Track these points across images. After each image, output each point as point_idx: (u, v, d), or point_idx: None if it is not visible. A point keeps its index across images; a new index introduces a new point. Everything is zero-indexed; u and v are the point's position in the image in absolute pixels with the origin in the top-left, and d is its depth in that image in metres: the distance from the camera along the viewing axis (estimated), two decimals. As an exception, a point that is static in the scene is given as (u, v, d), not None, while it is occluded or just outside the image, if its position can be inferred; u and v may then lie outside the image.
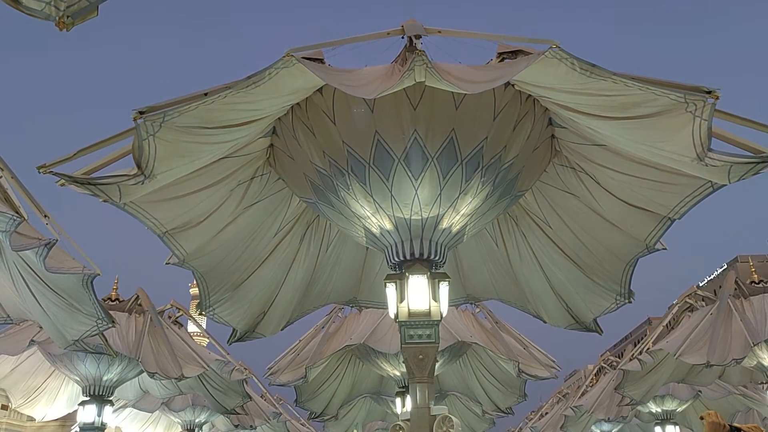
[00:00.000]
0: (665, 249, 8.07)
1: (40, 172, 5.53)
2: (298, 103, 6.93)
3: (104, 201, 6.11)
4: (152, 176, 5.85)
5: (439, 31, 6.10)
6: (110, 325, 7.29)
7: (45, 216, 6.39)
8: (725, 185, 6.46)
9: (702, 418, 4.82)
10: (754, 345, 11.35)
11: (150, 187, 6.23)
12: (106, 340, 9.56)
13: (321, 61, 6.05)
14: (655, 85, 5.26)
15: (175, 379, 12.19)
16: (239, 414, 16.35)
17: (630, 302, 8.86)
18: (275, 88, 5.81)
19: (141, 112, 5.37)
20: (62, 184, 5.63)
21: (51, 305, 6.82)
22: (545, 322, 9.94)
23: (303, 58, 5.46)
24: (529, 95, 6.87)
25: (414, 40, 6.08)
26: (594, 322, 9.52)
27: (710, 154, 5.43)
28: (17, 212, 5.76)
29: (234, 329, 9.55)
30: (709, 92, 5.14)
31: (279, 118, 7.19)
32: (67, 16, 3.01)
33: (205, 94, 5.50)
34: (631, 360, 14.46)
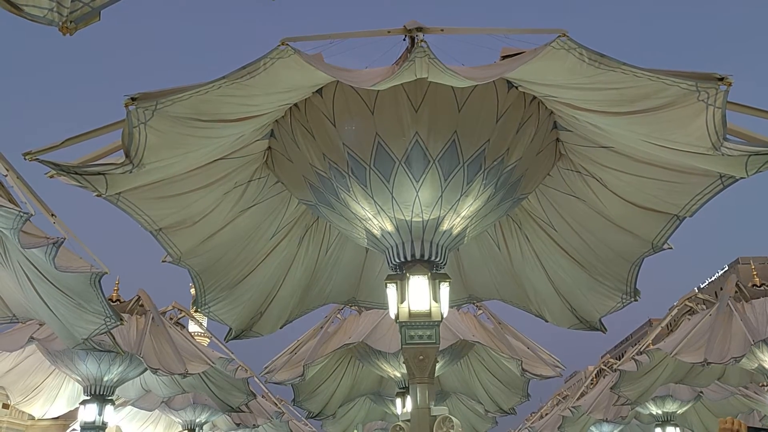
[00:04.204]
0: (671, 248, 8.03)
1: (26, 159, 5.48)
2: (296, 105, 6.92)
3: (97, 195, 6.08)
4: (141, 165, 5.76)
5: (442, 30, 6.01)
6: (118, 323, 7.31)
7: (52, 215, 6.39)
8: (734, 183, 6.41)
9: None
10: (754, 343, 11.33)
11: (138, 178, 6.18)
12: (114, 338, 9.58)
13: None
14: (665, 74, 5.18)
15: (180, 375, 12.20)
16: (243, 412, 16.38)
17: (636, 300, 8.82)
18: (271, 82, 5.76)
19: (133, 99, 5.31)
20: (51, 176, 5.58)
21: (58, 305, 6.82)
22: (547, 322, 9.94)
23: (304, 56, 5.41)
24: (534, 98, 6.86)
25: (416, 38, 6.03)
26: (599, 321, 9.51)
27: (726, 144, 5.34)
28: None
29: (230, 327, 9.56)
30: (721, 79, 5.04)
31: (277, 121, 7.17)
32: (70, 21, 3.02)
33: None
34: (630, 361, 14.46)
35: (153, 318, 12.88)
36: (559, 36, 5.04)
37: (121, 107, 5.37)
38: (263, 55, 5.32)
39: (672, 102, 5.38)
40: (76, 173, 5.57)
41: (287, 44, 5.24)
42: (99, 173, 5.74)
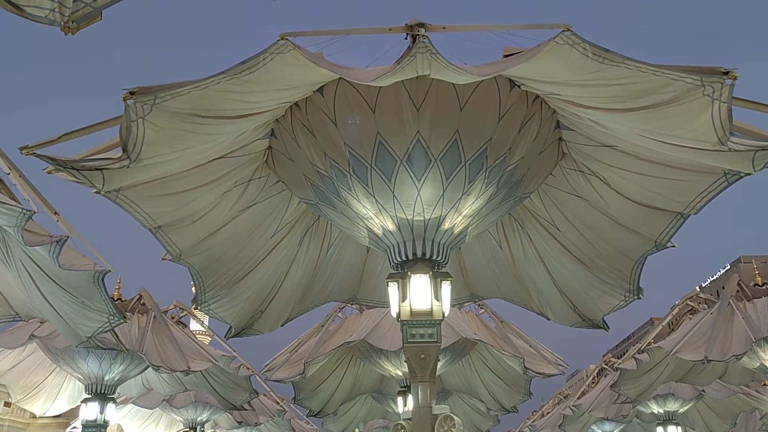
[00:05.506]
0: (674, 246, 8.01)
1: (22, 153, 5.45)
2: (297, 104, 6.90)
3: (95, 192, 6.05)
4: (138, 160, 5.73)
5: (444, 27, 5.98)
6: (122, 321, 7.32)
7: (55, 213, 6.38)
8: (739, 180, 6.38)
9: None
10: (755, 341, 11.32)
11: (137, 174, 6.16)
12: (117, 336, 9.57)
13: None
14: (669, 69, 5.16)
15: (182, 372, 12.22)
16: (245, 410, 16.41)
17: (639, 298, 8.80)
18: (271, 78, 5.73)
19: (132, 93, 5.29)
20: (49, 172, 5.54)
21: (61, 303, 6.81)
22: (549, 320, 9.93)
23: (303, 51, 5.37)
24: (536, 96, 6.84)
25: (417, 35, 6.00)
26: (602, 319, 9.49)
27: (733, 139, 5.32)
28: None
29: (230, 325, 9.57)
30: (726, 73, 5.03)
31: (277, 120, 7.16)
32: (72, 21, 3.02)
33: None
34: (630, 359, 14.47)
35: (155, 316, 12.91)
36: (563, 31, 5.02)
37: (119, 106, 5.36)
38: (262, 50, 5.29)
39: (677, 97, 5.35)
40: (73, 168, 5.54)
41: (286, 39, 5.22)
42: (96, 168, 5.70)
